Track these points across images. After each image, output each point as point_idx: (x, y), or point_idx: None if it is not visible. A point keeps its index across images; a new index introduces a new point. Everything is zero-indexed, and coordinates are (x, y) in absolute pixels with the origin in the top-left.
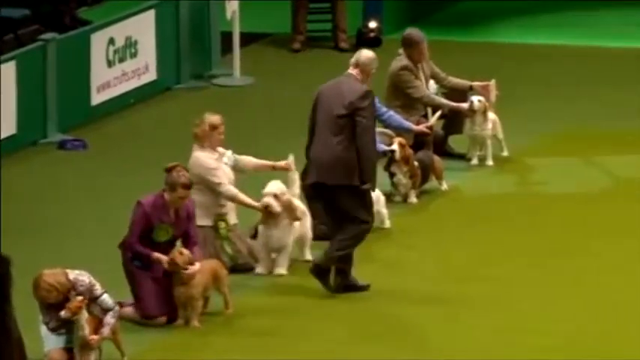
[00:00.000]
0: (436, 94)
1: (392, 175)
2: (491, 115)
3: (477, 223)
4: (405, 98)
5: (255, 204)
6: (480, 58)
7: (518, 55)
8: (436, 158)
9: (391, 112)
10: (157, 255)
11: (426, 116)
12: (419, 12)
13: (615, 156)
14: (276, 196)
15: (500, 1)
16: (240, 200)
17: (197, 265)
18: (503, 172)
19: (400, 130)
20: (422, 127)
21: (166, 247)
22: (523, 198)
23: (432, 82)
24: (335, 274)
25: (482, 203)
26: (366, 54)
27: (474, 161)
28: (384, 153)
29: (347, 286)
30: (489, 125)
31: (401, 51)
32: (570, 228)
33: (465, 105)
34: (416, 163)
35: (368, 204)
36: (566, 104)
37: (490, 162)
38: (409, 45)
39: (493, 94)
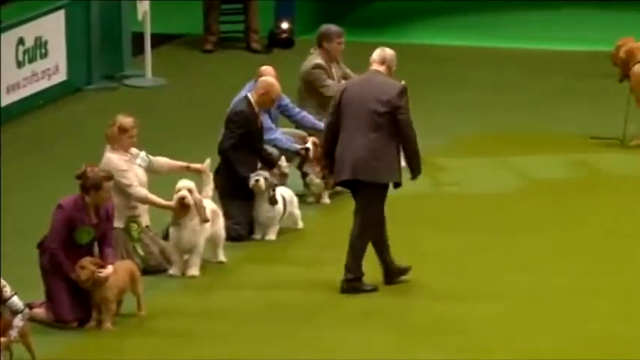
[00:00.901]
0: None
1: (304, 175)
2: None
3: (390, 223)
4: (317, 97)
5: (167, 203)
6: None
7: (431, 56)
8: None
9: (304, 113)
10: (73, 274)
11: None
12: (331, 13)
13: (526, 157)
14: (190, 191)
15: (413, 2)
16: (151, 201)
17: (110, 268)
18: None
19: (313, 131)
20: None
21: (88, 249)
22: (435, 198)
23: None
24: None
25: (395, 203)
26: (390, 51)
27: None
28: (297, 152)
29: (353, 286)
30: None
31: (313, 50)
32: (483, 227)
33: None
34: None
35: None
36: (479, 106)
37: (403, 163)
38: (328, 38)
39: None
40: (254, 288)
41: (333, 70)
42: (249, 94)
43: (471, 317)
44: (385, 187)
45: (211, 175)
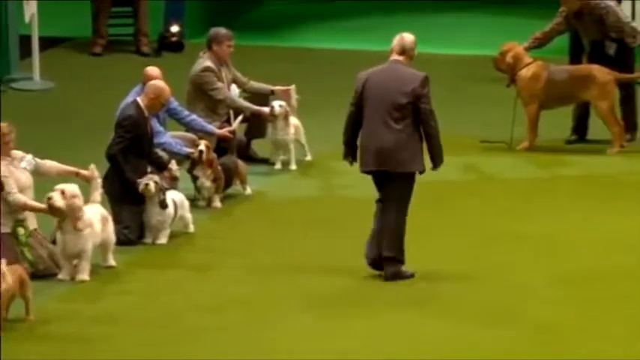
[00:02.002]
0: (238, 98)
1: (195, 178)
2: (294, 120)
3: (281, 227)
4: (207, 100)
5: (42, 206)
6: (283, 63)
7: (321, 59)
8: (240, 162)
9: (194, 116)
10: None
11: (228, 121)
12: (221, 16)
13: None
14: (63, 193)
15: (302, 5)
16: (30, 207)
17: None
18: (306, 176)
19: (203, 134)
20: (225, 132)
21: None
22: (327, 201)
23: (233, 87)
24: (387, 264)
25: (286, 207)
26: (409, 38)
27: (278, 165)
28: (187, 156)
29: (395, 273)
30: (291, 130)
31: (202, 53)
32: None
33: (266, 109)
34: (219, 168)
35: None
36: None
37: (293, 166)
38: (217, 41)
39: (294, 98)
40: (145, 292)
41: (223, 73)
42: (138, 99)
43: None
44: (413, 175)
45: (100, 180)
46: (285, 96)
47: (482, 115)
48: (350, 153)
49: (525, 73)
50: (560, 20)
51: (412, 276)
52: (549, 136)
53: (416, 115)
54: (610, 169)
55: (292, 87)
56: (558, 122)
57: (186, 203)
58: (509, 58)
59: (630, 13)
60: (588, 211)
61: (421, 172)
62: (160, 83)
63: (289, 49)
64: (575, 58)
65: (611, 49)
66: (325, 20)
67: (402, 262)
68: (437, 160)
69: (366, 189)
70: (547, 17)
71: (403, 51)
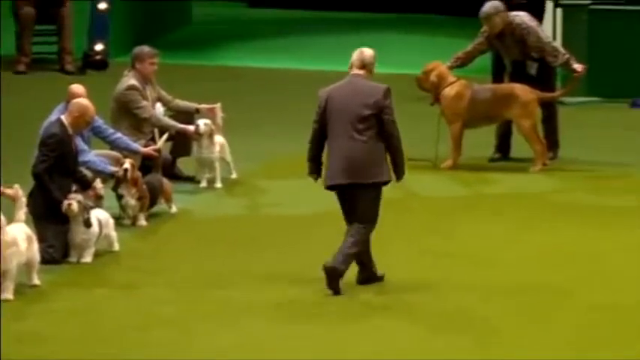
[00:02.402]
0: (164, 116)
1: (120, 197)
2: (219, 138)
3: (206, 245)
4: (132, 119)
5: None
6: (208, 81)
7: (247, 78)
8: (165, 181)
9: (118, 134)
10: None
11: (153, 139)
12: (146, 35)
13: None
14: None
15: (227, 25)
16: None
17: None
18: (232, 194)
19: (128, 152)
20: (150, 150)
21: None
22: (253, 220)
23: (158, 105)
24: (359, 269)
25: (212, 225)
26: (368, 52)
27: (203, 184)
28: (112, 174)
29: (369, 277)
30: (217, 148)
31: (127, 71)
32: (300, 247)
33: (191, 127)
34: (144, 186)
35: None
36: (294, 127)
37: (219, 184)
38: (141, 59)
39: (219, 116)
40: (70, 311)
41: (148, 91)
42: (62, 117)
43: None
44: (381, 186)
45: (24, 199)
46: (210, 114)
47: (406, 134)
48: (315, 170)
49: (449, 91)
50: (482, 40)
51: (382, 278)
52: (473, 155)
53: (379, 126)
54: (533, 187)
55: (218, 105)
56: (482, 140)
57: (111, 222)
58: (433, 77)
59: (551, 33)
60: (512, 229)
61: (387, 183)
62: (84, 101)
63: (214, 68)
64: (497, 78)
65: (533, 68)
66: (249, 40)
67: (373, 267)
68: (400, 172)
69: (291, 207)
70: (468, 37)
71: (363, 65)
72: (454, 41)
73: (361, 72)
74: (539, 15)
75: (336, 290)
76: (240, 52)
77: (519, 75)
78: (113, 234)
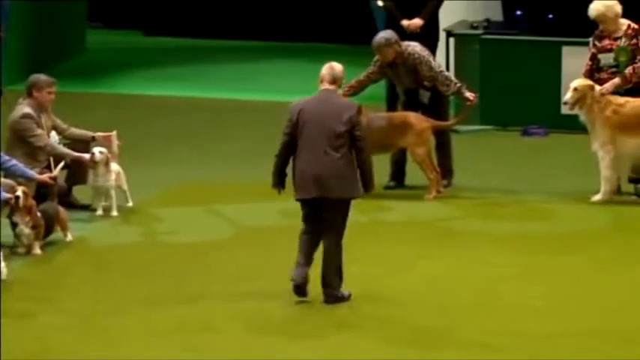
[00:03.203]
0: (59, 144)
1: (14, 225)
2: (115, 166)
3: (102, 274)
4: (27, 147)
5: None
6: (104, 109)
7: (143, 106)
8: (60, 209)
9: (14, 161)
10: None
11: (49, 167)
12: (40, 63)
13: (236, 204)
14: None
15: (123, 52)
16: None
17: None
18: (128, 222)
19: (23, 179)
20: (45, 177)
21: None
22: (150, 247)
23: (53, 133)
24: (327, 289)
25: (108, 254)
26: (339, 67)
27: (99, 212)
28: (7, 201)
29: (338, 297)
30: (112, 176)
31: (22, 99)
32: (196, 274)
33: (86, 156)
34: (39, 214)
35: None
36: (190, 155)
37: (115, 212)
38: (38, 87)
39: (115, 144)
40: None
41: (43, 119)
42: None
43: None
44: (350, 201)
45: None
46: (106, 142)
47: None
48: (279, 182)
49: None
50: (375, 69)
51: (349, 297)
52: None
53: (351, 142)
54: (427, 215)
55: (114, 133)
56: (376, 168)
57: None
58: None
59: (444, 62)
60: (407, 255)
61: (355, 198)
62: None
63: (111, 96)
64: (392, 106)
65: (425, 97)
66: (145, 68)
67: (340, 286)
68: (370, 184)
69: (186, 234)
70: (361, 65)
71: (334, 80)
72: (346, 69)
73: (332, 87)
74: (432, 44)
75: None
76: (135, 80)
77: (412, 103)
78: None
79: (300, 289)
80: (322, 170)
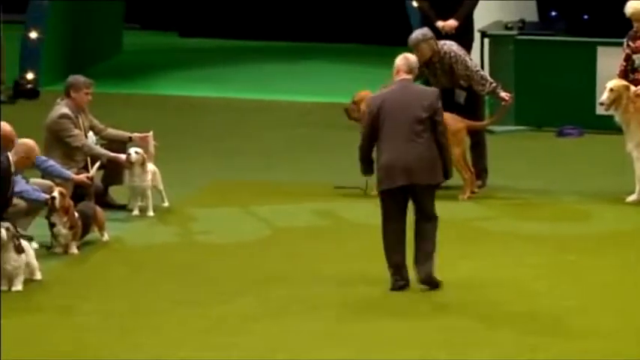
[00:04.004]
0: (96, 145)
1: (52, 225)
2: (151, 167)
3: (139, 274)
4: (64, 147)
5: None
6: (140, 110)
7: (177, 107)
8: (97, 209)
9: (51, 162)
10: None
11: (86, 168)
12: (77, 64)
13: (272, 206)
14: None
15: (157, 54)
16: None
17: None
18: (164, 222)
19: (60, 180)
20: (82, 177)
21: None
22: (185, 247)
23: (91, 134)
24: (422, 266)
25: (144, 254)
26: (413, 58)
27: (135, 212)
28: (45, 202)
29: (434, 278)
30: (149, 176)
31: (60, 100)
32: (231, 275)
33: (123, 156)
34: (76, 214)
35: None
36: (224, 156)
37: (151, 213)
38: (76, 88)
39: (151, 145)
40: (3, 339)
41: (80, 120)
42: (9, 154)
43: None
44: (435, 187)
45: None
46: (142, 143)
47: (337, 162)
48: (369, 170)
49: None
50: None
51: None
52: None
53: (432, 128)
54: (463, 215)
55: (150, 134)
56: None
57: (32, 250)
58: (364, 107)
59: (479, 63)
60: (443, 255)
61: (440, 183)
62: (30, 142)
63: (146, 97)
64: None
65: (461, 97)
66: (181, 68)
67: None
68: (450, 170)
69: (223, 235)
70: (390, 65)
71: (410, 70)
72: (379, 70)
73: (409, 76)
74: (467, 44)
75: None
76: (170, 81)
77: (449, 103)
78: (34, 262)
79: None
80: (408, 157)
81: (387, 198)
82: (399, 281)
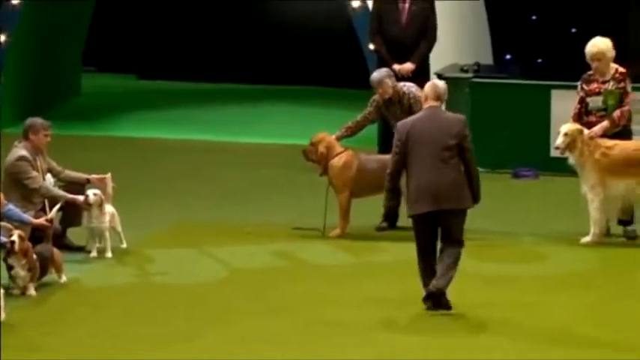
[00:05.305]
0: (54, 187)
1: (10, 267)
2: (109, 208)
3: (99, 315)
4: (22, 189)
5: None
6: (98, 151)
7: (137, 148)
8: (55, 251)
9: (10, 206)
10: None
11: (44, 209)
12: (35, 107)
13: (232, 247)
14: None
15: (117, 97)
16: None
17: None
18: (123, 263)
19: (20, 224)
20: (42, 221)
21: None
22: (144, 288)
23: (49, 176)
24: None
25: (104, 295)
26: (442, 84)
27: (94, 254)
28: (4, 245)
29: (448, 302)
30: (107, 218)
31: (17, 142)
32: (189, 315)
33: (81, 198)
34: (34, 256)
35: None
36: (183, 196)
37: (109, 254)
38: (34, 130)
39: (110, 186)
40: None
41: (38, 162)
42: None
43: None
44: (464, 212)
45: None
46: (100, 184)
47: (295, 204)
48: (394, 198)
49: (337, 162)
50: (371, 110)
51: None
52: (360, 224)
53: (460, 154)
54: None
55: (108, 175)
56: (369, 210)
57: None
58: (322, 148)
59: None
60: (399, 296)
61: (468, 208)
62: None
63: (105, 139)
64: (384, 148)
65: None
66: (143, 110)
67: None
68: (478, 196)
69: (180, 276)
70: (343, 107)
71: (438, 97)
72: (337, 112)
73: (437, 103)
74: (423, 87)
75: (446, 306)
76: (129, 123)
77: None
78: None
79: (437, 298)
80: (437, 183)
81: (416, 223)
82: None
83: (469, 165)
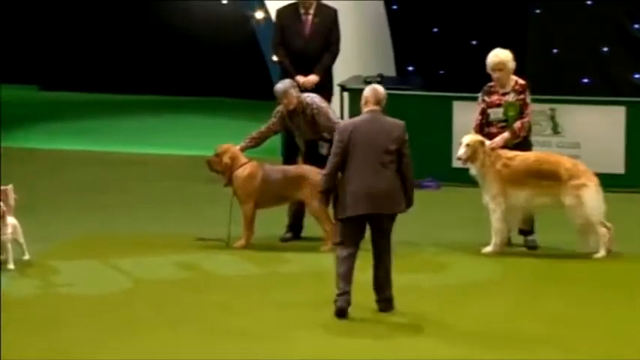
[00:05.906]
0: None
1: None
2: (11, 220)
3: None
4: None
5: None
6: (3, 163)
7: (41, 160)
8: None
9: None
10: None
11: None
12: None
13: (134, 258)
14: None
15: (18, 108)
16: None
17: None
18: (25, 275)
19: None
20: None
21: None
22: (46, 300)
23: None
24: (381, 291)
25: (5, 307)
26: (382, 90)
27: None
28: None
29: (391, 298)
30: (9, 229)
31: None
32: (92, 326)
33: None
34: None
35: None
36: (86, 209)
37: (11, 266)
38: None
39: (11, 198)
40: None
41: None
42: None
43: None
44: (396, 215)
45: None
46: (2, 196)
47: (198, 215)
48: (330, 198)
49: (241, 172)
50: (275, 120)
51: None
52: (265, 234)
53: (398, 159)
54: (324, 266)
55: (9, 187)
56: (273, 220)
57: None
58: (226, 159)
59: (340, 115)
60: (304, 306)
61: (402, 212)
62: None
63: (7, 150)
64: (288, 159)
65: (324, 148)
66: (47, 122)
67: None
68: (412, 201)
69: (85, 287)
70: (248, 118)
71: (378, 101)
72: (241, 122)
73: (377, 107)
74: (326, 99)
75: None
76: (33, 135)
77: (313, 155)
78: None
79: (344, 312)
80: (375, 187)
81: (347, 224)
82: (342, 303)
83: (406, 170)
